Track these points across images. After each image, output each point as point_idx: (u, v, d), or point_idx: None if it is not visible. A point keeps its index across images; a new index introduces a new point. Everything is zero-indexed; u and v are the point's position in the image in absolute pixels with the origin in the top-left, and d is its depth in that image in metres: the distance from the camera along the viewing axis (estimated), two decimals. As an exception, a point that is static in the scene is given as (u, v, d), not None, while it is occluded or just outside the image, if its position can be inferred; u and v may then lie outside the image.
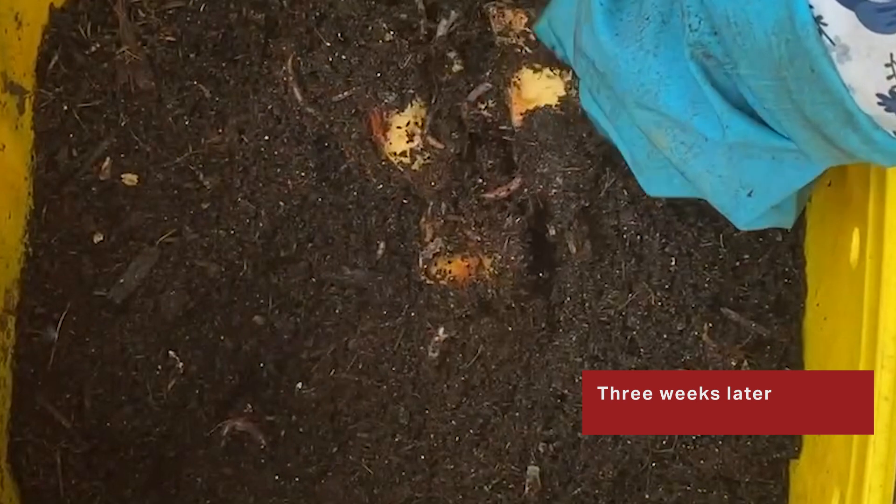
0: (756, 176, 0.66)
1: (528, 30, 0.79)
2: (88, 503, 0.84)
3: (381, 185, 0.84)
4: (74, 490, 0.83)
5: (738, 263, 0.82)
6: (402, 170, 0.82)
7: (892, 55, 0.52)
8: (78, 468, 0.83)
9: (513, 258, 0.81)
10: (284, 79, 0.84)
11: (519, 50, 0.79)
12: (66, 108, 0.86)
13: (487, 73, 0.81)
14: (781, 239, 0.82)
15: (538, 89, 0.79)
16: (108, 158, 0.86)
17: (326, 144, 0.85)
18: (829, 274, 0.77)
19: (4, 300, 0.83)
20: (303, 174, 0.84)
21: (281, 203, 0.85)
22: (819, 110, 0.57)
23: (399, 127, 0.81)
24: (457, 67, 0.82)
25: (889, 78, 0.52)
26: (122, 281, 0.85)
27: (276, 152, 0.85)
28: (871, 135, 0.56)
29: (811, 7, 0.53)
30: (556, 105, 0.79)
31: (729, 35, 0.58)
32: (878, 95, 0.54)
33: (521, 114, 0.79)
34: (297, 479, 0.84)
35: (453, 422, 0.83)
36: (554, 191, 0.79)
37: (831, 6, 0.52)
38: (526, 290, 0.82)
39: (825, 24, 0.53)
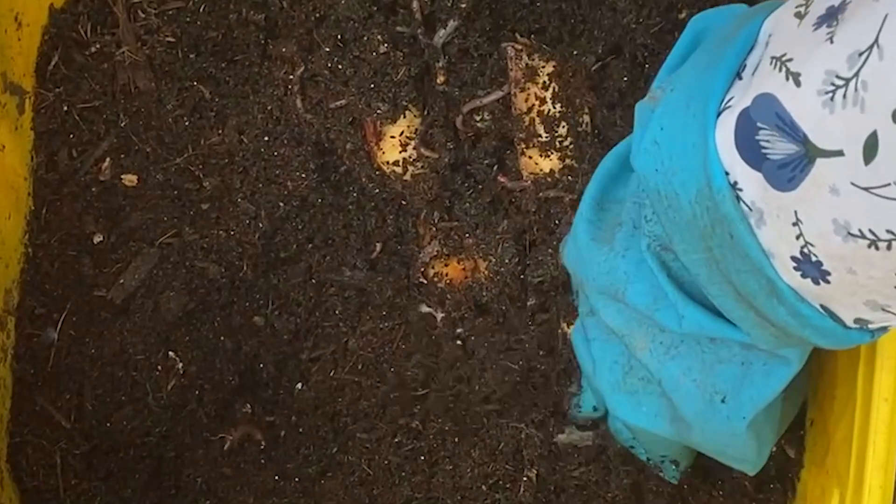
0: (728, 382, 0.65)
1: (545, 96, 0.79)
2: (88, 503, 0.84)
3: (377, 190, 0.84)
4: (74, 490, 0.83)
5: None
6: (394, 178, 0.82)
7: (796, 213, 0.50)
8: (78, 468, 0.83)
9: (507, 261, 0.81)
10: (288, 87, 0.84)
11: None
12: (65, 108, 0.86)
13: (485, 89, 0.81)
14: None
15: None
16: (107, 159, 0.87)
17: (326, 146, 0.85)
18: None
19: (4, 301, 0.84)
20: (303, 175, 0.84)
21: (281, 204, 0.85)
22: (745, 281, 0.55)
23: (393, 136, 0.81)
24: (453, 78, 0.82)
25: (797, 238, 0.51)
26: (121, 281, 0.85)
27: (275, 153, 0.85)
28: (797, 308, 0.54)
29: (727, 173, 0.52)
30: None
31: (661, 209, 0.58)
32: (793, 259, 0.52)
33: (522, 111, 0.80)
34: (296, 479, 0.84)
35: (452, 422, 0.83)
36: (552, 193, 0.80)
37: (742, 170, 0.51)
38: (521, 291, 0.82)
39: (741, 190, 0.52)
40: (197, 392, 0.85)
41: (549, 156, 0.79)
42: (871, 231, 0.47)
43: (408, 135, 0.81)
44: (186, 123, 0.86)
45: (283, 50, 0.84)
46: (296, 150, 0.84)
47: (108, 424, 0.84)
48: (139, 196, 0.87)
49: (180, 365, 0.85)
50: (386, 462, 0.83)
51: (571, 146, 0.79)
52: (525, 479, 0.81)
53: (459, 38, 0.82)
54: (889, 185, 0.44)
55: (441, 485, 0.83)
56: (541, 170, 0.80)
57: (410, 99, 0.81)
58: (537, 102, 0.79)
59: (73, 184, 0.86)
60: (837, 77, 0.45)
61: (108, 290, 0.86)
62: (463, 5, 0.80)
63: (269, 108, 0.85)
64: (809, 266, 0.51)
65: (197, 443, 0.85)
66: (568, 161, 0.79)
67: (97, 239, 0.86)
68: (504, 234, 0.82)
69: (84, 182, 0.86)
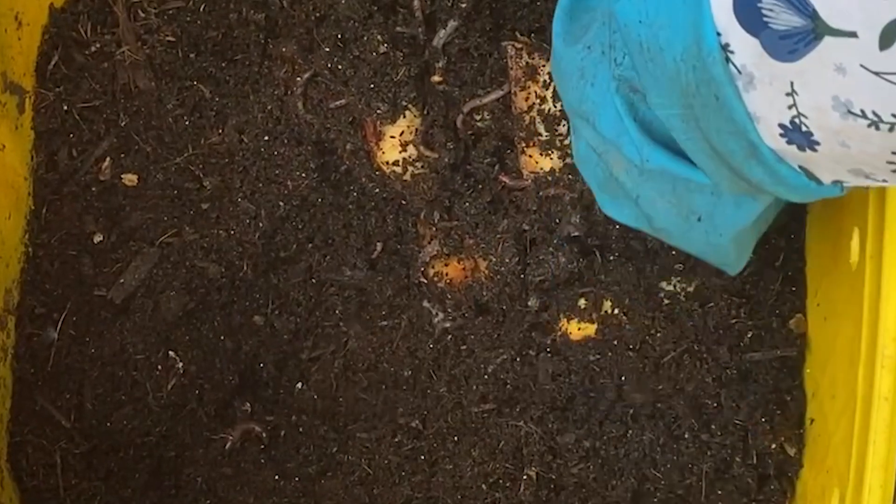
0: (701, 207, 0.65)
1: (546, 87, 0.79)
2: (88, 503, 0.84)
3: (377, 190, 0.84)
4: (74, 490, 0.83)
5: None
6: (394, 178, 0.82)
7: (792, 84, 0.50)
8: (78, 468, 0.83)
9: (507, 260, 0.81)
10: (288, 86, 0.84)
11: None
12: (66, 108, 0.86)
13: (485, 88, 0.81)
14: (783, 242, 0.82)
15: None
16: (108, 158, 0.87)
17: (326, 146, 0.85)
18: (830, 274, 0.77)
19: (4, 300, 0.84)
20: (303, 175, 0.84)
21: (281, 203, 0.85)
22: (724, 140, 0.55)
23: (392, 136, 0.81)
24: (453, 77, 0.82)
25: (790, 108, 0.51)
26: (122, 281, 0.85)
27: (275, 152, 0.85)
28: (775, 168, 0.55)
29: (719, 34, 0.51)
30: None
31: (641, 61, 0.57)
32: (780, 126, 0.52)
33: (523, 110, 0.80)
34: (297, 479, 0.84)
35: (452, 422, 0.83)
36: (552, 192, 0.80)
37: (737, 34, 0.51)
38: (522, 290, 0.82)
39: (732, 52, 0.51)
40: (197, 392, 0.85)
41: (549, 154, 0.79)
42: (874, 112, 0.46)
43: (408, 135, 0.82)
44: (186, 123, 0.86)
45: (283, 50, 0.84)
46: (296, 150, 0.84)
47: (108, 424, 0.84)
48: (139, 196, 0.87)
49: (180, 365, 0.85)
50: (386, 462, 0.83)
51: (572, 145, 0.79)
52: (525, 477, 0.81)
53: (459, 38, 0.82)
54: None
55: (441, 484, 0.83)
56: (541, 168, 0.80)
57: (410, 99, 0.81)
58: (538, 101, 0.79)
59: (73, 183, 0.86)
60: None
61: (108, 289, 0.86)
62: (463, 5, 0.81)
63: (269, 107, 0.85)
64: (798, 135, 0.51)
65: (197, 442, 0.85)
66: (568, 160, 0.79)
67: (97, 239, 0.86)
68: (504, 233, 0.82)
69: (84, 182, 0.86)
